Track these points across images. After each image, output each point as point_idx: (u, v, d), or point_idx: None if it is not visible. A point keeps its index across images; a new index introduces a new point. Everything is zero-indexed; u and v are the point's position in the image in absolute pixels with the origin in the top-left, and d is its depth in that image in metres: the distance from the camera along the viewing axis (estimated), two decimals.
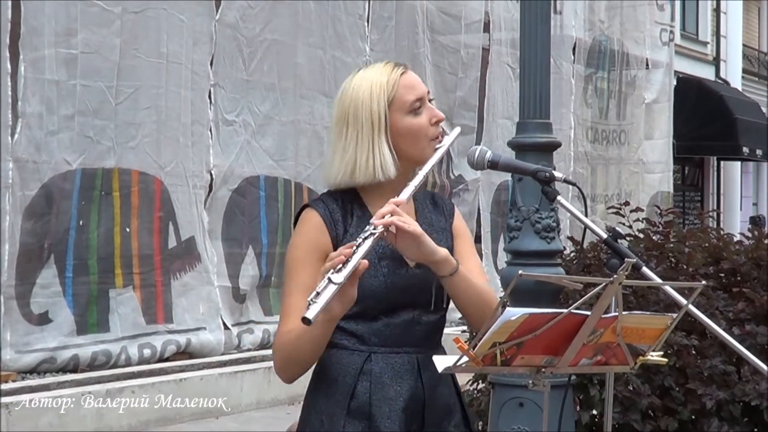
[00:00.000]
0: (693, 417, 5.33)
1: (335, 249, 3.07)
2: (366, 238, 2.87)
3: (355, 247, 2.85)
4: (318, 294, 2.77)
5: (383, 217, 2.91)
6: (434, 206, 3.26)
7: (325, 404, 3.11)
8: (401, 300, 3.09)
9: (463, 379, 5.57)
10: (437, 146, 3.14)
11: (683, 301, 3.07)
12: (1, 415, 8.37)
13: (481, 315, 3.01)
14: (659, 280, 3.24)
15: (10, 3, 9.34)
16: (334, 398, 3.10)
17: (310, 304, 2.75)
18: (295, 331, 2.98)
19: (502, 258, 13.71)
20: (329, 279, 2.79)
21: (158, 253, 10.81)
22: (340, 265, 2.81)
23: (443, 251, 2.99)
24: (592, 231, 3.18)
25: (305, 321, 2.74)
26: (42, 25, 9.65)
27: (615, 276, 2.74)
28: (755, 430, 5.45)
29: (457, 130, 3.28)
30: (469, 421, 3.25)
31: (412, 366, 3.10)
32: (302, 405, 3.22)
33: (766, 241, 5.99)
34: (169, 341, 10.72)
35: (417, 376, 3.09)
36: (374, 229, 2.89)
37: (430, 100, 3.18)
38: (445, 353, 3.13)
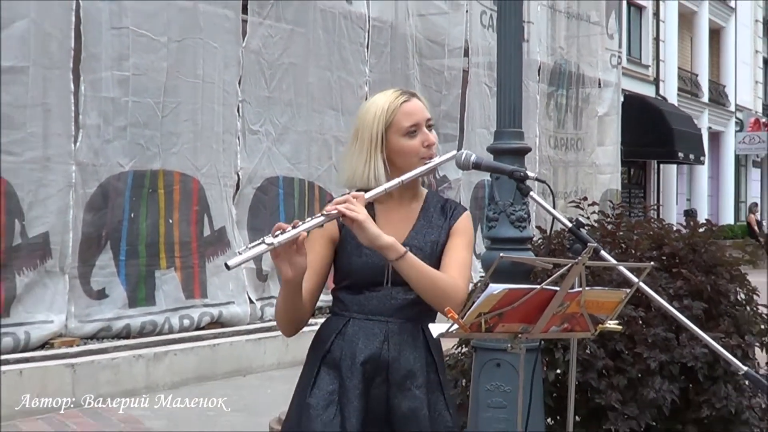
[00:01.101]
0: (639, 375, 5.32)
1: (341, 234, 3.16)
2: (315, 218, 2.90)
3: (300, 222, 2.88)
4: (248, 248, 2.79)
5: (336, 205, 2.94)
6: (441, 209, 3.26)
7: (311, 357, 3.19)
8: (380, 278, 3.11)
9: (449, 344, 5.59)
10: (426, 162, 3.16)
11: (634, 279, 3.08)
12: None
13: (432, 297, 3.00)
14: (615, 261, 3.25)
15: (73, 34, 9.35)
16: (316, 352, 3.16)
17: (238, 254, 2.77)
18: None
19: (480, 245, 13.71)
20: (263, 239, 2.79)
21: (195, 240, 10.82)
22: (280, 231, 2.82)
23: (389, 239, 2.96)
24: (559, 221, 3.19)
25: (226, 266, 2.76)
26: (100, 52, 9.65)
27: (580, 258, 2.75)
28: (690, 386, 5.45)
29: (450, 154, 3.24)
30: (442, 385, 3.21)
31: (380, 331, 3.10)
32: None
33: (700, 230, 6.01)
34: (204, 313, 10.72)
35: (383, 340, 3.09)
36: (325, 212, 2.92)
37: (429, 127, 3.19)
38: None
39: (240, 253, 2.76)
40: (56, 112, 9.20)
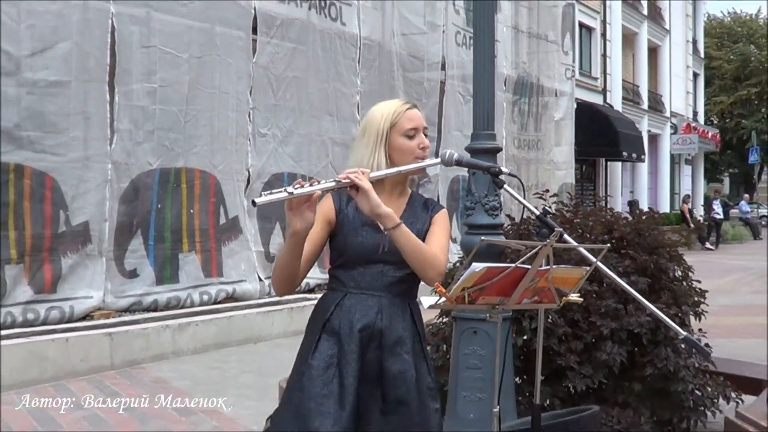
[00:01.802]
0: (593, 340, 5.34)
1: (337, 216, 3.14)
2: (328, 182, 2.88)
3: (316, 182, 2.87)
4: (271, 193, 2.78)
5: (348, 174, 2.93)
6: (424, 206, 3.25)
7: (311, 327, 3.15)
8: (374, 256, 3.09)
9: (431, 314, 5.60)
10: (419, 161, 3.16)
11: (593, 258, 3.08)
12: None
13: (418, 264, 2.97)
14: (576, 244, 3.28)
15: (108, 52, 9.34)
16: (316, 322, 3.13)
17: (262, 195, 2.78)
18: None
19: (455, 232, 13.75)
20: (285, 188, 2.79)
21: (212, 227, 10.81)
22: (299, 185, 2.82)
23: (388, 209, 2.92)
24: (529, 210, 3.18)
25: (253, 203, 2.77)
26: (131, 68, 9.65)
27: (548, 240, 2.78)
28: (636, 349, 5.48)
29: (437, 159, 3.20)
30: (424, 353, 3.20)
31: (375, 304, 3.09)
32: None
33: (644, 217, 6.04)
34: (220, 290, 10.73)
35: (377, 311, 3.08)
36: (338, 179, 2.90)
37: (426, 135, 3.21)
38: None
39: (264, 195, 2.77)
40: (94, 119, 9.21)
